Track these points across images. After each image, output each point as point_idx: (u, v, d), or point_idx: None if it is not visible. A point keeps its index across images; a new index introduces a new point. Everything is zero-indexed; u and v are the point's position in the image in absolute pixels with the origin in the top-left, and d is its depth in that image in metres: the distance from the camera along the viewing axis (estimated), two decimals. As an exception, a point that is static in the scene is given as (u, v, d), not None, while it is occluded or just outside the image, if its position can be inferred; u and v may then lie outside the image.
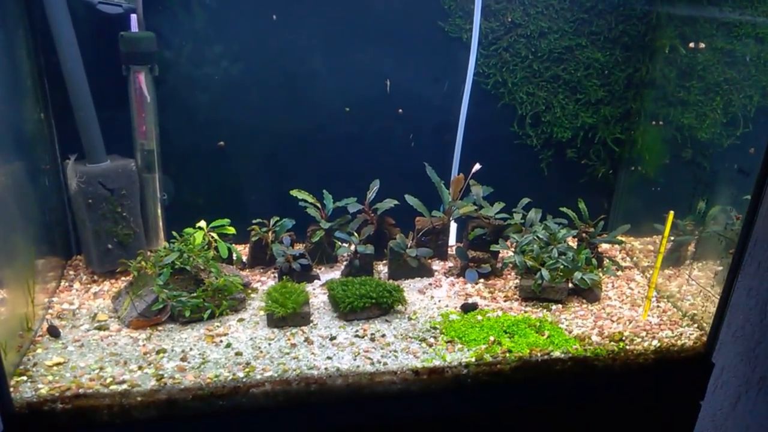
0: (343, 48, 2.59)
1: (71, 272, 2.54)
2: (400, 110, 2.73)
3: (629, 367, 2.26)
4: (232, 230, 2.57)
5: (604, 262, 2.73)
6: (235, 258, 2.58)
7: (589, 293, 2.52)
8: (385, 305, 2.32)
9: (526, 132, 2.83)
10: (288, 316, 2.23)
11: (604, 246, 2.97)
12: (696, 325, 2.40)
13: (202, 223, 2.52)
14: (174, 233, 2.41)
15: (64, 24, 2.17)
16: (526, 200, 2.76)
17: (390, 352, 2.14)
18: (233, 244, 2.60)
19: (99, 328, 2.19)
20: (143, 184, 2.47)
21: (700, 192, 2.59)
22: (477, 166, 2.68)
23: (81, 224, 2.42)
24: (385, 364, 2.08)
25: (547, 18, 2.65)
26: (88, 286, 2.46)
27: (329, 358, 2.09)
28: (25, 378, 1.92)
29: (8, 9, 2.11)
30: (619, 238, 2.80)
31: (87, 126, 2.31)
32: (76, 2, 2.21)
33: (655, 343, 2.27)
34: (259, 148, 2.67)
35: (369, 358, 2.10)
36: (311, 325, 2.27)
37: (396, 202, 2.66)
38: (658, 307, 2.52)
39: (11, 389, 1.86)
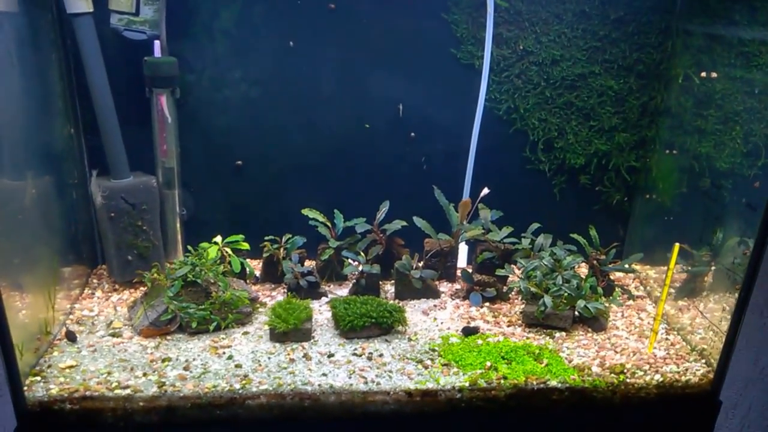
0: (358, 73, 2.65)
1: (95, 281, 2.67)
2: (413, 134, 2.77)
3: (630, 401, 2.20)
4: (245, 246, 2.65)
5: (615, 291, 2.67)
6: (248, 273, 2.64)
7: (594, 322, 2.47)
8: (385, 325, 2.34)
9: (538, 157, 2.82)
10: (289, 331, 2.28)
11: (618, 274, 2.91)
12: (704, 361, 2.32)
13: (218, 238, 2.61)
14: (189, 247, 2.50)
15: (93, 49, 2.31)
16: (535, 225, 2.74)
17: (385, 372, 2.16)
18: (247, 259, 2.69)
19: (113, 335, 2.29)
20: (163, 200, 2.58)
21: (717, 222, 2.51)
22: (485, 191, 2.68)
23: (104, 236, 2.55)
24: (378, 384, 2.10)
25: (559, 46, 2.64)
26: (109, 294, 2.58)
27: (324, 374, 2.13)
28: (39, 378, 2.03)
29: (43, 34, 2.27)
30: (632, 266, 2.73)
31: (112, 143, 2.44)
32: (104, 29, 2.33)
33: (657, 377, 2.21)
34: (274, 168, 2.76)
35: (363, 377, 2.12)
36: (312, 341, 2.32)
37: (404, 223, 2.69)
38: (666, 339, 2.45)
39: (25, 388, 1.97)
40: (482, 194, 2.69)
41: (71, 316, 2.40)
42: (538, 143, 2.80)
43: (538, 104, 2.73)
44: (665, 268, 2.83)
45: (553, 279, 2.47)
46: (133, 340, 2.27)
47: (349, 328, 2.31)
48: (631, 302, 2.72)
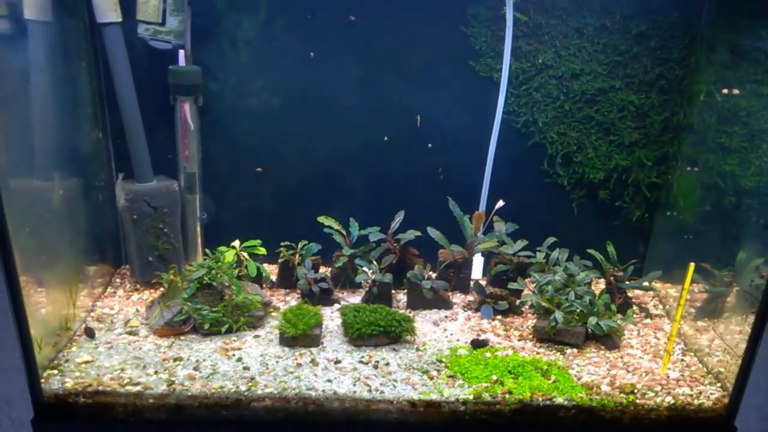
0: (377, 84, 2.68)
1: (118, 280, 2.76)
2: (430, 145, 2.78)
3: (640, 422, 2.15)
4: (263, 251, 2.70)
5: (629, 309, 2.60)
6: (263, 277, 2.69)
7: (607, 340, 2.42)
8: (393, 334, 2.35)
9: (556, 171, 2.80)
10: (298, 336, 2.30)
11: (637, 292, 2.84)
12: (720, 385, 2.25)
13: (236, 243, 2.66)
14: (207, 251, 2.56)
15: (121, 57, 2.41)
16: (551, 239, 2.71)
17: (390, 381, 2.16)
18: (265, 264, 2.73)
19: (129, 333, 2.36)
20: (185, 204, 2.65)
21: (740, 242, 2.43)
22: (500, 203, 2.67)
23: (127, 237, 2.63)
24: (381, 392, 2.11)
25: (579, 60, 2.62)
26: (130, 293, 2.66)
27: (329, 380, 2.14)
28: (56, 372, 2.11)
29: (74, 43, 2.37)
30: (650, 284, 2.66)
31: (136, 148, 2.53)
32: (132, 38, 2.42)
33: (669, 399, 2.15)
34: (293, 175, 2.81)
35: (368, 385, 2.13)
36: (321, 347, 2.34)
37: (418, 233, 2.70)
38: (682, 361, 2.39)
39: (42, 380, 2.05)
40: (497, 207, 2.67)
41: (92, 314, 2.48)
42: (557, 157, 2.77)
43: (557, 118, 2.71)
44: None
45: (565, 294, 2.43)
46: (149, 339, 2.33)
47: (357, 335, 2.33)
48: (648, 321, 2.66)
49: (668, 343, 2.29)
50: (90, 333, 2.32)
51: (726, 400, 2.17)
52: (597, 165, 2.77)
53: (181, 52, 2.45)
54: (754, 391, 2.11)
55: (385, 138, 2.73)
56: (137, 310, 2.52)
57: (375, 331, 2.33)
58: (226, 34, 2.56)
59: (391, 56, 2.64)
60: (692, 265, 2.19)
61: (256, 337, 2.38)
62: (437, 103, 2.71)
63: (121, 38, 2.40)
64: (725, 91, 2.42)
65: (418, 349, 2.37)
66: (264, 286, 2.75)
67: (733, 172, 2.50)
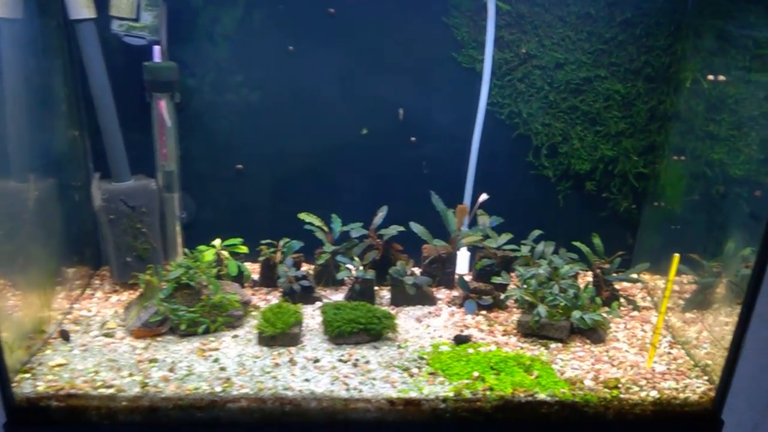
0: (358, 78, 2.64)
1: (97, 281, 2.73)
2: (413, 138, 2.73)
3: (625, 417, 2.11)
4: (244, 249, 2.66)
5: (614, 302, 2.55)
6: (245, 276, 2.65)
7: (592, 334, 2.38)
8: (374, 331, 2.31)
9: (542, 163, 2.75)
10: (277, 335, 2.27)
11: (625, 284, 2.79)
12: (707, 378, 2.20)
13: (217, 242, 2.62)
14: (185, 250, 2.52)
15: (95, 54, 2.36)
16: (537, 232, 2.66)
17: (368, 379, 2.12)
18: (247, 263, 2.69)
19: (106, 335, 2.33)
20: (163, 203, 2.61)
21: (729, 232, 2.38)
22: (484, 196, 2.63)
23: (104, 238, 2.59)
24: (360, 391, 2.07)
25: (563, 49, 2.57)
26: (109, 295, 2.62)
27: (307, 380, 2.11)
28: (28, 375, 2.08)
29: (47, 41, 2.33)
30: (637, 276, 2.62)
31: (112, 147, 2.49)
32: (107, 35, 2.37)
33: (654, 393, 2.10)
34: (274, 172, 2.77)
35: (346, 384, 2.09)
36: (300, 346, 2.30)
37: (401, 228, 2.66)
38: (669, 353, 2.34)
39: (14, 384, 2.02)
40: (480, 200, 2.62)
41: (69, 316, 2.45)
42: (542, 148, 2.72)
43: (542, 108, 2.66)
44: (677, 278, 2.71)
45: (549, 288, 2.38)
46: (125, 340, 2.30)
47: (337, 333, 2.28)
48: (635, 313, 2.61)
49: (653, 336, 2.24)
50: (65, 336, 2.29)
51: (713, 394, 2.12)
52: (583, 156, 2.72)
53: (156, 48, 2.41)
54: (741, 384, 2.06)
55: (364, 131, 2.68)
56: (115, 312, 2.48)
57: (355, 329, 2.29)
58: (203, 28, 2.51)
59: (371, 49, 2.60)
60: (677, 256, 2.13)
61: (235, 337, 2.34)
62: (420, 95, 2.66)
63: (95, 35, 2.36)
64: (711, 77, 2.36)
65: (399, 347, 2.33)
66: (246, 285, 2.71)
67: (721, 160, 2.45)
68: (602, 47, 2.57)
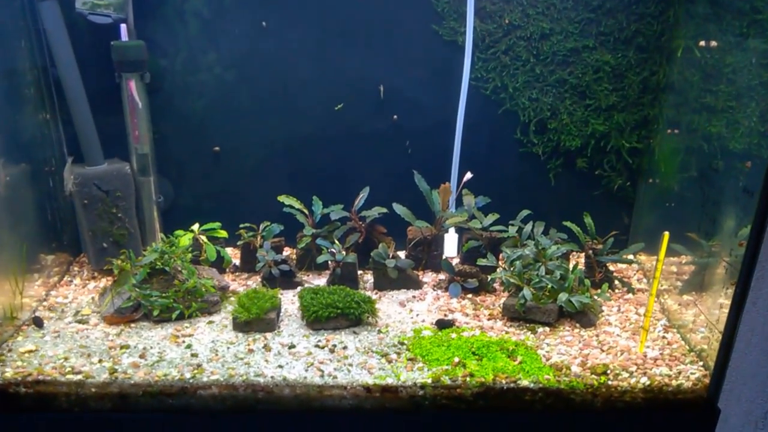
0: (335, 54, 2.57)
1: (76, 268, 2.70)
2: (395, 117, 2.65)
3: (614, 405, 2.02)
4: (223, 234, 2.62)
5: (604, 284, 2.45)
6: (225, 261, 2.59)
7: (582, 317, 2.29)
8: (352, 316, 2.24)
9: (530, 139, 2.66)
10: (252, 321, 2.22)
11: (621, 265, 2.69)
12: (702, 363, 2.10)
13: (195, 226, 2.58)
14: (162, 235, 2.47)
15: (60, 34, 2.32)
16: (525, 212, 2.58)
17: (345, 365, 2.06)
18: (229, 248, 2.65)
19: (79, 322, 2.29)
20: (138, 187, 2.57)
21: (728, 209, 2.26)
22: (468, 175, 2.56)
23: (80, 224, 2.54)
24: (335, 377, 2.01)
25: (548, 19, 2.46)
26: (87, 282, 2.59)
27: (280, 366, 2.05)
28: (-3, 362, 2.04)
29: (10, 22, 2.27)
30: (634, 257, 2.51)
31: (83, 130, 2.45)
32: (73, 14, 2.31)
33: (644, 380, 2.01)
34: (253, 153, 2.72)
35: (320, 370, 2.04)
36: (276, 332, 2.25)
37: (383, 210, 2.60)
38: (663, 338, 2.25)
39: (-18, 372, 1.99)
40: (465, 179, 2.54)
41: (45, 303, 2.42)
42: (530, 124, 2.64)
43: (528, 82, 2.57)
44: (675, 258, 2.60)
45: (535, 270, 2.29)
46: (98, 327, 2.27)
47: (314, 318, 2.23)
48: (630, 296, 2.51)
49: (644, 320, 2.14)
50: (38, 322, 2.25)
51: (707, 380, 2.02)
52: (573, 131, 2.63)
53: (123, 26, 2.35)
54: (738, 370, 1.96)
55: (339, 106, 2.59)
56: (92, 299, 2.45)
57: (332, 314, 2.23)
58: (172, 4, 2.46)
59: (348, 23, 2.52)
60: (666, 234, 2.04)
61: (210, 323, 2.29)
62: (400, 71, 2.59)
63: (59, 14, 2.31)
64: (702, 43, 2.23)
65: (380, 332, 2.26)
66: (227, 270, 2.66)
67: (719, 134, 2.33)
68: (590, 16, 2.47)
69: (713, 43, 2.29)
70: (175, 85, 2.56)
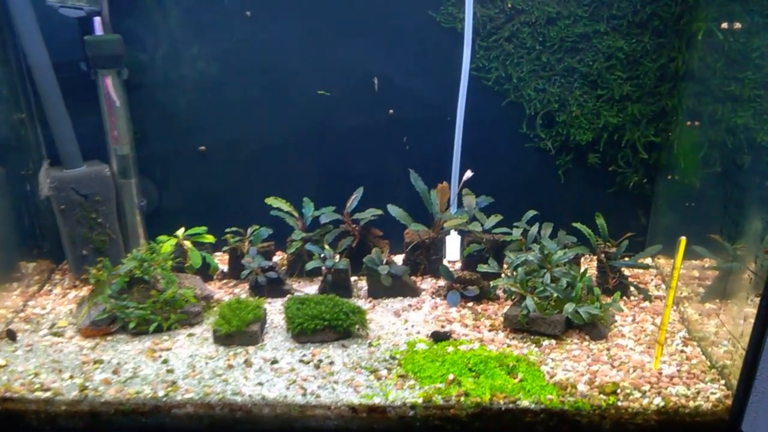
0: (326, 44, 2.46)
1: (58, 276, 2.64)
2: (391, 111, 2.54)
3: (624, 429, 1.89)
4: (210, 238, 2.54)
5: (615, 293, 2.29)
6: (211, 267, 2.51)
7: (592, 329, 2.15)
8: (340, 328, 2.14)
9: (537, 134, 2.54)
10: (233, 334, 2.13)
11: (638, 270, 2.52)
12: (724, 382, 1.94)
13: (180, 231, 2.50)
14: (142, 241, 2.38)
15: (30, 30, 2.24)
16: (531, 213, 2.44)
17: (330, 383, 1.95)
18: (217, 253, 2.57)
19: (54, 334, 2.23)
20: (119, 190, 2.49)
21: (756, 209, 2.09)
22: (468, 173, 2.43)
23: (60, 230, 2.46)
24: (317, 396, 1.90)
25: (554, 2, 2.33)
26: (68, 291, 2.54)
27: (260, 384, 1.96)
28: (-36, 379, 1.97)
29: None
30: (653, 260, 2.35)
31: (60, 131, 2.38)
32: (47, 9, 2.22)
33: (658, 401, 1.85)
34: (241, 152, 2.63)
35: (303, 388, 1.93)
36: (260, 345, 2.15)
37: (378, 212, 2.49)
38: (682, 352, 2.09)
39: (-52, 389, 1.93)
40: (465, 178, 2.41)
41: (21, 314, 2.36)
42: (537, 117, 2.51)
43: (534, 72, 2.45)
44: (698, 262, 2.43)
45: (540, 277, 2.14)
46: (74, 340, 2.20)
47: (299, 331, 2.12)
48: (647, 304, 2.35)
49: (660, 333, 1.98)
50: (11, 335, 2.19)
51: (730, 402, 1.86)
52: (584, 125, 2.49)
53: (97, 19, 2.26)
54: (764, 391, 1.79)
55: (322, 92, 2.48)
56: (70, 310, 2.37)
57: (319, 326, 2.12)
58: (151, -5, 2.36)
59: (339, 11, 2.41)
60: (683, 240, 1.88)
61: (190, 335, 2.21)
62: (396, 62, 2.47)
63: (29, 8, 2.21)
64: (725, 25, 2.05)
65: (370, 345, 2.15)
66: (214, 277, 2.57)
67: (746, 125, 2.15)
68: None
69: (738, 25, 2.13)
70: (157, 81, 2.48)
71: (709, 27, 2.18)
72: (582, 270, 2.19)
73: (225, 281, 2.58)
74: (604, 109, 2.45)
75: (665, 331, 1.99)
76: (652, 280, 2.54)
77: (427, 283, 2.54)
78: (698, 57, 2.27)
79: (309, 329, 2.13)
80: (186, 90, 2.49)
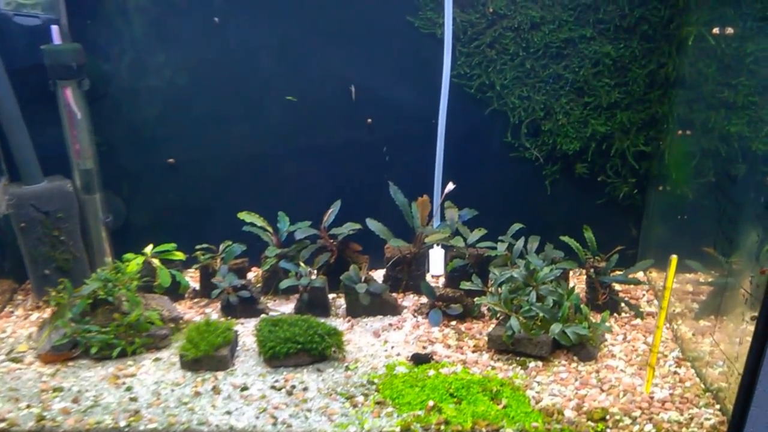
0: (300, 51, 2.40)
1: (20, 297, 2.55)
2: (369, 120, 2.48)
3: (615, 457, 1.80)
4: (180, 255, 2.46)
5: (604, 312, 2.22)
6: (182, 286, 2.43)
7: (580, 349, 2.09)
8: (315, 351, 2.06)
9: (522, 143, 2.49)
10: (201, 358, 2.05)
11: (629, 284, 2.46)
12: (719, 407, 1.87)
13: (148, 248, 2.42)
14: (108, 260, 2.31)
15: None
16: (517, 226, 2.37)
17: (302, 411, 1.88)
18: (190, 269, 2.49)
19: (13, 360, 2.15)
20: (83, 206, 2.42)
21: (750, 221, 2.02)
22: (451, 186, 2.37)
23: (21, 248, 2.38)
24: (289, 426, 1.83)
25: (538, 6, 2.28)
26: (30, 312, 2.46)
27: (228, 413, 1.88)
28: None
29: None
30: (645, 274, 2.28)
31: (18, 145, 2.30)
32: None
33: (649, 428, 1.78)
34: (212, 164, 2.55)
35: (274, 417, 1.86)
36: (229, 370, 2.07)
37: (357, 226, 2.43)
38: (675, 374, 2.03)
39: None
40: (446, 190, 2.35)
41: (-21, 338, 2.26)
42: (521, 126, 2.47)
43: (518, 78, 2.40)
44: (691, 275, 2.37)
45: (525, 295, 2.07)
46: (33, 366, 2.11)
47: (271, 355, 2.05)
48: (638, 321, 2.28)
49: (650, 355, 1.91)
50: (-33, 362, 2.10)
51: (725, 429, 1.79)
52: (571, 133, 2.45)
53: (54, 27, 2.18)
54: (761, 417, 1.72)
55: (291, 98, 2.42)
56: (31, 334, 2.28)
57: (292, 349, 2.05)
58: (113, 2, 2.29)
59: (314, 16, 2.35)
60: (674, 258, 1.82)
61: (157, 360, 2.13)
62: (374, 69, 2.42)
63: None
64: (717, 30, 1.99)
65: (347, 368, 2.07)
66: (185, 295, 2.49)
67: (740, 133, 2.09)
68: (586, 1, 2.28)
69: (730, 30, 2.06)
70: (122, 91, 2.42)
71: (700, 31, 2.13)
72: (570, 287, 2.13)
73: (196, 300, 2.51)
74: (592, 117, 2.41)
75: (657, 353, 1.92)
76: (644, 295, 2.48)
77: (408, 300, 2.47)
78: (689, 62, 2.22)
79: (282, 353, 2.05)
80: (153, 100, 2.43)
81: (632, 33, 2.30)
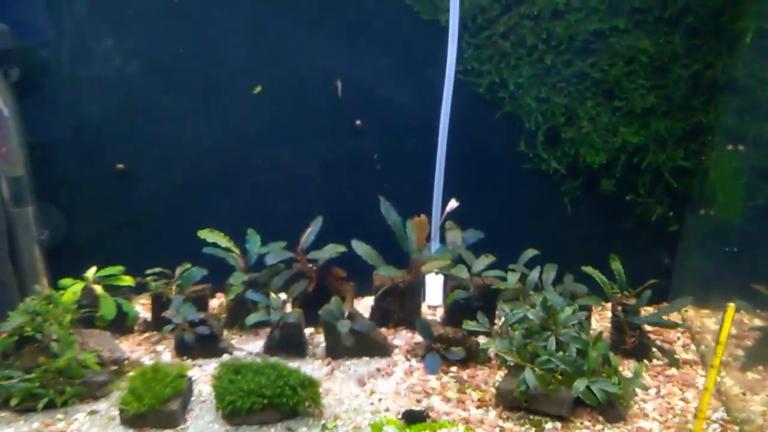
0: (277, 38, 2.22)
1: (-61, 326, 2.22)
2: (359, 122, 2.29)
3: None
4: (128, 281, 2.24)
5: (639, 365, 1.95)
6: (130, 317, 2.16)
7: (608, 408, 1.81)
8: (285, 407, 1.79)
9: (538, 153, 2.31)
10: (145, 413, 1.76)
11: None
12: (778, 484, 1.59)
13: (91, 271, 2.17)
14: (38, 287, 2.01)
15: None
16: (531, 252, 2.16)
17: (265, 487, 1.57)
18: (141, 295, 2.28)
19: None
20: (11, 221, 2.18)
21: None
22: (453, 204, 2.18)
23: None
24: None
25: None
26: (-53, 346, 2.11)
27: (173, 490, 1.56)
28: None
29: None
30: (673, 318, 2.03)
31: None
32: None
33: None
34: (170, 172, 2.34)
35: (229, 497, 1.54)
36: (180, 428, 1.79)
37: (342, 248, 2.20)
38: (720, 439, 1.74)
39: None
40: (448, 209, 2.15)
41: None
42: (538, 133, 2.30)
43: (536, 77, 2.25)
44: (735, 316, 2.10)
45: (543, 341, 1.79)
46: (-59, 419, 1.79)
47: (231, 411, 1.76)
48: (674, 372, 2.01)
49: (696, 422, 1.62)
50: None
51: None
52: (596, 143, 2.27)
53: (-28, 4, 1.88)
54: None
55: (257, 89, 2.24)
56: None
57: (257, 405, 1.78)
58: (48, -25, 2.04)
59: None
60: (732, 306, 1.55)
61: (92, 413, 1.87)
62: (364, 61, 2.25)
63: None
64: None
65: (325, 428, 1.81)
66: (135, 328, 2.24)
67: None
68: None
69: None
70: (60, 84, 2.20)
71: (759, 25, 1.92)
72: (597, 332, 1.84)
73: (147, 335, 2.23)
74: (622, 124, 2.25)
75: (702, 420, 1.63)
76: (678, 337, 2.21)
77: (401, 338, 2.20)
78: (743, 63, 2.04)
79: (244, 409, 1.77)
80: (98, 94, 2.22)
81: (675, 26, 2.13)
